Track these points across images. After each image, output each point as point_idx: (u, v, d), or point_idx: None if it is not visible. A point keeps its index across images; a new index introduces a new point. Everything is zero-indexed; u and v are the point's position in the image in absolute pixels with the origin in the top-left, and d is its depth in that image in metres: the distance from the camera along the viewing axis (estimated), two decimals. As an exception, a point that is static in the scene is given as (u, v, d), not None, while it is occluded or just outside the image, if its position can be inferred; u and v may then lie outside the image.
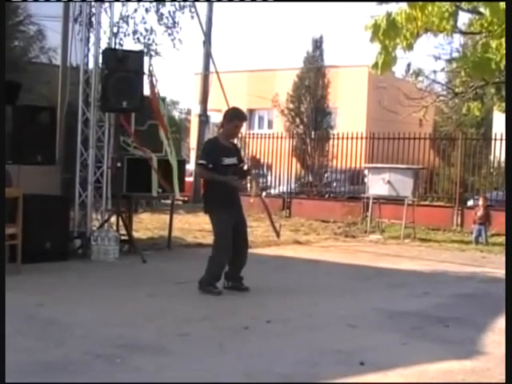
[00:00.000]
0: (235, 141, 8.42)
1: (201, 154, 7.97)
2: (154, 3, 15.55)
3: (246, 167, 7.98)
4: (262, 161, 20.01)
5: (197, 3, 14.76)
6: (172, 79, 71.62)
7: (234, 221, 7.58)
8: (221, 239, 7.57)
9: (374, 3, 12.06)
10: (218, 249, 7.60)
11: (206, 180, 7.80)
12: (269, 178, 21.04)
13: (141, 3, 15.49)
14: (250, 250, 10.85)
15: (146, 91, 10.35)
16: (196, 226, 13.88)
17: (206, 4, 24.99)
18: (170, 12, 15.67)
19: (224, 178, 7.46)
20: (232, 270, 7.77)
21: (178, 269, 9.01)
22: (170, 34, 15.87)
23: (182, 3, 15.59)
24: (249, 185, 9.31)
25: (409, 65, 18.49)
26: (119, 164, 10.26)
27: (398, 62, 10.70)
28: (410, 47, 10.33)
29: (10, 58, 12.94)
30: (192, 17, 15.43)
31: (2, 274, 5.17)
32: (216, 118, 32.83)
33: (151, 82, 10.33)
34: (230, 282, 7.78)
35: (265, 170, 20.57)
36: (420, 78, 18.99)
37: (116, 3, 11.10)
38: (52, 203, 9.56)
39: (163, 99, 10.88)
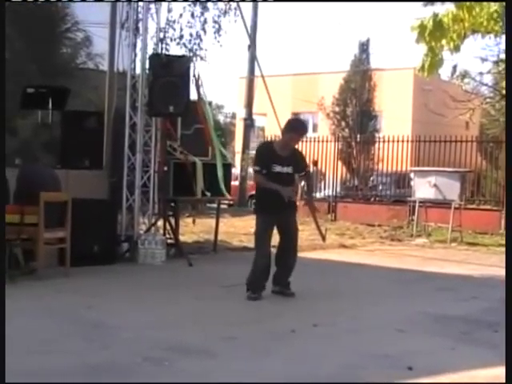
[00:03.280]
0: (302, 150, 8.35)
1: (255, 158, 7.95)
2: (200, 8, 15.67)
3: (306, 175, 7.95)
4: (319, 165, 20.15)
5: (242, 7, 14.69)
6: (217, 83, 71.96)
7: (277, 225, 7.55)
8: (257, 241, 7.62)
9: (420, 4, 11.90)
10: (256, 250, 7.66)
11: (258, 186, 7.79)
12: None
13: (187, 8, 15.63)
14: None
15: (192, 96, 10.37)
16: (241, 230, 13.87)
17: (251, 7, 25.15)
18: (214, 16, 15.80)
19: (274, 186, 7.38)
20: (279, 275, 7.75)
21: (223, 272, 9.05)
22: (215, 38, 15.97)
23: (227, 8, 15.68)
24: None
25: (455, 67, 18.27)
26: (166, 168, 10.29)
27: (444, 64, 10.61)
28: (456, 49, 10.21)
29: (58, 64, 13.23)
30: (236, 20, 15.51)
31: (2, 274, 5.17)
32: (261, 121, 32.84)
33: (197, 87, 10.35)
34: (278, 287, 7.77)
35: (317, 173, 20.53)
36: (466, 80, 18.79)
37: (162, 9, 11.01)
38: (100, 207, 9.62)
39: (209, 103, 10.87)
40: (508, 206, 5.84)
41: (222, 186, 10.36)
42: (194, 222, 11.38)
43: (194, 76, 10.32)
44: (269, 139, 15.30)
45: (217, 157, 10.53)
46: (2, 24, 6.85)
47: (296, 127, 7.75)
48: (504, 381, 4.73)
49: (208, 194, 10.42)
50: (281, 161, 7.54)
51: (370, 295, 8.15)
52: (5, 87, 7.21)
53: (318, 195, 20.10)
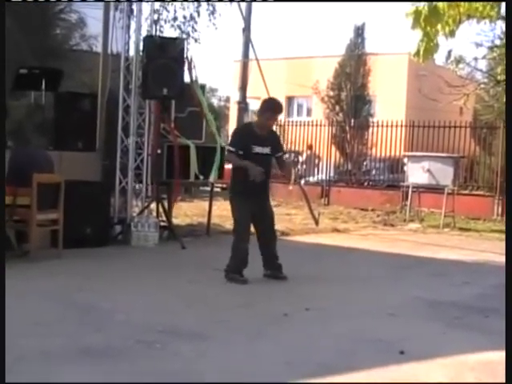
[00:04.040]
0: (277, 131, 8.35)
1: (231, 138, 7.93)
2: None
3: (286, 157, 7.90)
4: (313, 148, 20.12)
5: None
6: (211, 66, 71.71)
7: (256, 210, 7.55)
8: (239, 226, 7.57)
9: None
10: (236, 235, 7.61)
11: (232, 166, 7.76)
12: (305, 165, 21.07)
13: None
14: (288, 238, 11.46)
15: (187, 78, 10.32)
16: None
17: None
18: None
19: (244, 163, 7.39)
20: (267, 259, 7.78)
21: (216, 255, 8.81)
22: (209, 21, 15.91)
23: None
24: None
25: (450, 52, 18.20)
26: (159, 151, 10.29)
27: (439, 50, 10.51)
28: (451, 34, 10.07)
29: (51, 46, 13.13)
30: (231, 3, 15.44)
31: (2, 273, 5.23)
32: (255, 105, 32.66)
33: (189, 69, 10.28)
34: (269, 270, 7.78)
35: (311, 157, 20.58)
36: (461, 66, 18.69)
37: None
38: (93, 189, 9.60)
39: (202, 86, 10.84)
40: (508, 205, 5.90)
41: (214, 171, 10.35)
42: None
43: (187, 58, 10.27)
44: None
45: (217, 139, 10.51)
46: (2, 24, 6.95)
47: (271, 107, 7.70)
48: (494, 365, 4.80)
49: (201, 177, 10.38)
50: (260, 141, 7.56)
51: (363, 280, 8.17)
52: (5, 87, 7.24)
53: (311, 179, 20.25)
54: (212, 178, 10.55)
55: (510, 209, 5.98)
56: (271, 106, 7.72)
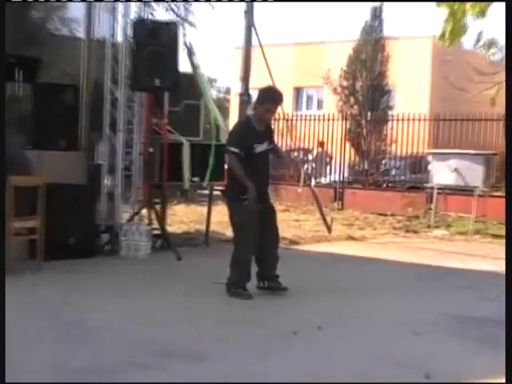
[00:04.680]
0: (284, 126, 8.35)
1: (231, 138, 7.86)
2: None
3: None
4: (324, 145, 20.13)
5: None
6: (209, 54, 71.72)
7: (258, 213, 7.50)
8: (240, 232, 7.57)
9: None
10: (237, 244, 7.61)
11: (230, 169, 7.76)
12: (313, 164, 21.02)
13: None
14: (297, 247, 11.59)
15: (182, 67, 10.35)
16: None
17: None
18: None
19: (249, 184, 7.31)
20: (264, 269, 7.73)
21: (216, 267, 8.76)
22: (206, 1, 15.92)
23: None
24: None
25: (480, 34, 18.19)
26: (151, 149, 10.24)
27: (467, 32, 10.40)
28: (482, 14, 10.05)
29: (28, 31, 13.09)
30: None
31: (2, 273, 5.21)
32: None
33: (190, 56, 10.34)
34: (266, 282, 7.72)
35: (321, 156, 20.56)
36: (493, 50, 18.67)
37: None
38: (76, 193, 9.54)
39: (196, 68, 10.62)
40: (508, 204, 6.05)
41: (208, 173, 10.32)
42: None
43: (186, 44, 10.37)
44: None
45: (218, 134, 10.45)
46: (2, 24, 7.12)
47: (270, 96, 7.67)
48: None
49: (196, 179, 10.39)
50: (260, 138, 7.61)
51: (383, 293, 8.15)
52: (5, 87, 7.32)
53: (323, 180, 20.26)
54: (206, 181, 10.51)
55: (510, 209, 6.16)
56: (270, 95, 7.68)
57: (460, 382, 5.03)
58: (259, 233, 7.55)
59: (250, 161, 7.45)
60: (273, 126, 8.41)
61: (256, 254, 7.64)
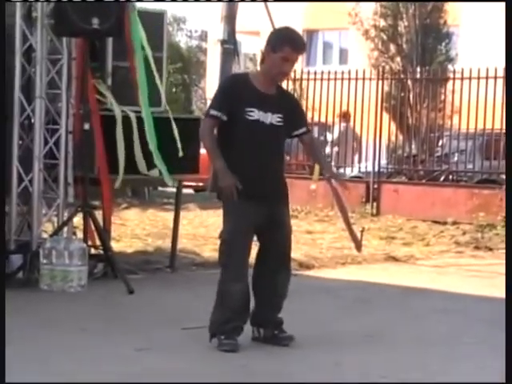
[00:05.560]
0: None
1: (214, 96, 7.07)
2: None
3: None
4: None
5: None
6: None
7: (261, 221, 6.79)
8: (226, 252, 6.91)
9: None
10: (225, 268, 6.95)
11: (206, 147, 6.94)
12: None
13: None
14: (311, 273, 11.27)
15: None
16: (216, 231, 13.59)
17: None
18: None
19: (219, 161, 6.71)
20: (261, 310, 6.98)
21: (185, 304, 8.71)
22: None
23: None
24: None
25: None
26: (87, 126, 9.56)
27: None
28: None
29: None
30: None
31: (2, 273, 6.18)
32: (250, 45, 31.47)
33: None
34: (262, 330, 6.95)
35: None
36: None
37: None
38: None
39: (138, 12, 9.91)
40: (508, 204, 6.53)
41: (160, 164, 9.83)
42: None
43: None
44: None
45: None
46: (2, 24, 8.08)
47: (291, 38, 6.86)
48: None
49: (154, 172, 9.85)
50: (264, 103, 6.77)
51: (442, 346, 7.42)
52: (5, 87, 8.21)
53: (348, 171, 18.98)
54: (167, 179, 9.99)
55: (510, 208, 6.69)
56: (288, 38, 6.84)
57: (460, 382, 5.55)
58: (259, 253, 7.06)
59: (240, 133, 6.73)
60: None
61: (252, 285, 7.00)
